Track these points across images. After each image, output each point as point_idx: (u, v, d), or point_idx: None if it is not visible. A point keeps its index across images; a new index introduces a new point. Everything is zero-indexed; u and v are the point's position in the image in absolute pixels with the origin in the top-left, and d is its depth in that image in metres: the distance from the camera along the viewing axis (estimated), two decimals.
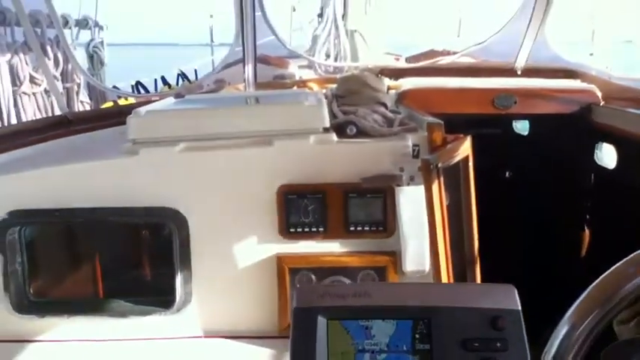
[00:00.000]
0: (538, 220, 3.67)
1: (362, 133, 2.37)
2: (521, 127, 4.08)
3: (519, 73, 3.40)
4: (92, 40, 5.70)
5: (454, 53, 6.06)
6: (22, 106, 4.82)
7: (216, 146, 2.30)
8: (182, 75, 8.25)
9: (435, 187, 1.92)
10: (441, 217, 1.99)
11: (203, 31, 10.18)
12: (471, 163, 2.15)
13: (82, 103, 5.66)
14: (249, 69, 3.32)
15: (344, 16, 4.85)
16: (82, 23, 5.93)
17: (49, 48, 4.92)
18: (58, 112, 4.96)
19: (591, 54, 8.21)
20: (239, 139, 2.32)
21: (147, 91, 6.97)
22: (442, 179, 1.94)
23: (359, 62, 4.72)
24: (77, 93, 5.62)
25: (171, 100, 2.80)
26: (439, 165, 1.91)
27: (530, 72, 3.42)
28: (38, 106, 5.03)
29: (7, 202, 2.27)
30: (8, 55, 4.49)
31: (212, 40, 9.79)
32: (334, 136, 2.32)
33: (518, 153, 3.86)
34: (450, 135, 2.19)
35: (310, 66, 4.96)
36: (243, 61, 3.29)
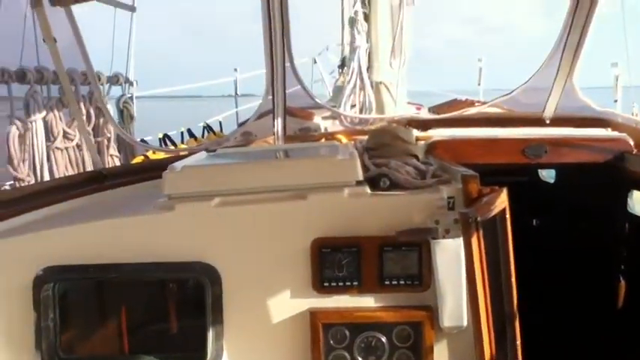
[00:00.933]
0: (570, 271, 3.57)
1: (395, 185, 2.37)
2: (547, 174, 4.04)
3: (548, 122, 3.38)
4: (123, 95, 5.84)
5: (478, 103, 6.12)
6: (55, 161, 4.93)
7: (251, 200, 2.31)
8: (207, 127, 8.41)
9: (474, 240, 1.89)
10: (480, 272, 1.95)
11: (227, 83, 10.45)
12: (508, 216, 2.11)
13: (112, 156, 5.76)
14: (278, 122, 3.37)
15: (369, 68, 4.94)
16: (113, 79, 6.11)
17: (82, 104, 5.06)
18: (89, 166, 5.07)
19: (615, 100, 8.20)
20: (273, 192, 2.33)
21: (174, 143, 7.10)
22: (481, 232, 1.91)
23: (385, 114, 4.76)
24: (107, 147, 5.73)
25: (203, 154, 2.84)
26: (478, 218, 1.88)
27: (559, 121, 3.41)
28: (70, 161, 5.13)
29: (42, 259, 2.28)
30: (44, 112, 4.62)
31: (236, 94, 10.00)
32: (368, 189, 2.32)
33: (545, 201, 3.80)
34: (485, 187, 2.18)
35: (335, 117, 5.01)
36: (272, 114, 3.34)
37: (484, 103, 5.99)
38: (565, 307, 3.56)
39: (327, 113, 5.11)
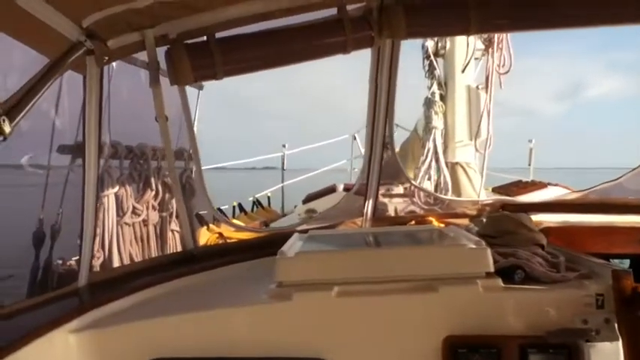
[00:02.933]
0: None
1: (530, 278, 2.19)
2: None
3: None
4: (185, 170, 5.81)
5: (541, 184, 5.97)
6: (122, 236, 4.84)
7: (375, 291, 2.14)
8: (257, 202, 8.39)
9: None
10: None
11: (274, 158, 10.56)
12: None
13: (173, 232, 5.66)
14: (369, 204, 3.24)
15: (445, 148, 4.88)
16: (178, 154, 6.11)
17: (152, 179, 5.02)
18: (152, 241, 4.96)
19: None
20: (396, 282, 2.16)
21: (226, 217, 7.04)
22: None
23: (462, 196, 4.64)
24: (170, 222, 5.64)
25: (299, 237, 2.70)
26: None
27: None
28: (135, 236, 5.04)
29: (147, 349, 2.12)
30: (117, 187, 4.58)
31: (283, 168, 10.07)
32: (501, 282, 2.13)
33: None
34: (638, 284, 1.98)
35: (402, 196, 4.90)
36: (365, 195, 3.22)
37: (555, 184, 5.86)
38: None
39: (396, 191, 5.00)
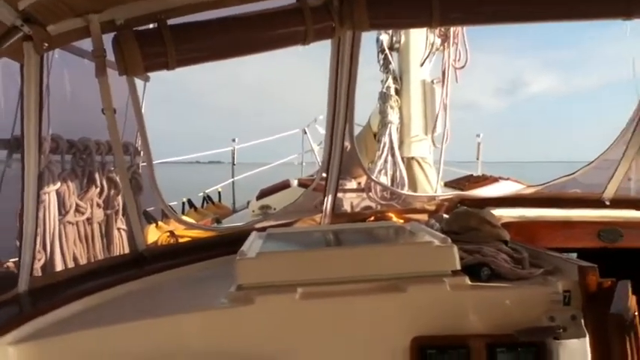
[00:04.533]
0: None
1: (497, 276, 2.15)
2: None
3: (608, 204, 3.25)
4: (132, 165, 5.56)
5: (493, 179, 6.04)
6: (65, 236, 4.57)
7: (340, 292, 2.06)
8: (207, 198, 8.17)
9: (628, 346, 1.66)
10: None
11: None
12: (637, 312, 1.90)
13: (120, 230, 5.41)
14: (329, 200, 3.15)
15: (401, 143, 4.84)
16: (124, 149, 5.83)
17: (96, 175, 4.77)
18: (97, 241, 4.72)
19: None
20: (362, 282, 2.09)
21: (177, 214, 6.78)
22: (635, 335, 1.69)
23: (418, 191, 4.62)
24: (116, 220, 5.38)
25: (258, 236, 2.58)
26: (636, 320, 1.66)
27: (618, 203, 3.28)
28: (79, 235, 4.77)
29: (104, 358, 1.97)
30: (58, 184, 4.32)
31: (234, 163, 9.86)
32: (468, 280, 2.09)
33: None
34: (606, 279, 1.98)
35: (357, 191, 4.84)
36: (324, 192, 3.13)
37: (506, 178, 5.94)
38: None
39: (350, 186, 4.93)
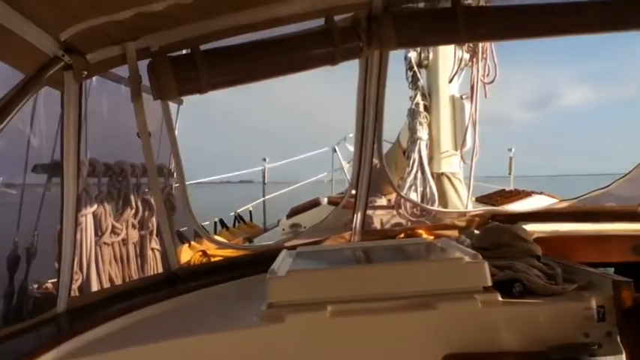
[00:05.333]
0: None
1: (529, 291, 2.13)
2: None
3: None
4: (166, 186, 5.67)
5: (526, 193, 5.96)
6: (102, 257, 4.68)
7: (370, 310, 2.06)
8: (239, 217, 8.26)
9: None
10: None
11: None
12: None
13: (154, 250, 5.50)
14: (358, 218, 3.17)
15: (431, 159, 4.83)
16: (158, 171, 5.97)
17: (131, 197, 4.88)
18: (132, 261, 4.81)
19: None
20: (392, 300, 2.09)
21: (209, 234, 6.89)
22: None
23: (449, 207, 4.60)
24: (150, 240, 5.48)
25: (288, 254, 2.61)
26: None
27: None
28: (115, 256, 4.88)
29: None
30: (95, 206, 4.43)
31: (264, 182, 9.97)
32: (499, 296, 2.07)
33: None
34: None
35: (387, 208, 4.83)
36: (353, 209, 3.15)
37: (539, 193, 5.86)
38: None
39: (380, 203, 4.93)
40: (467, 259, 2.16)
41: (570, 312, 2.01)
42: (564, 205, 3.50)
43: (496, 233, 2.52)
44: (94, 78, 3.61)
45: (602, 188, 3.37)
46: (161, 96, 2.33)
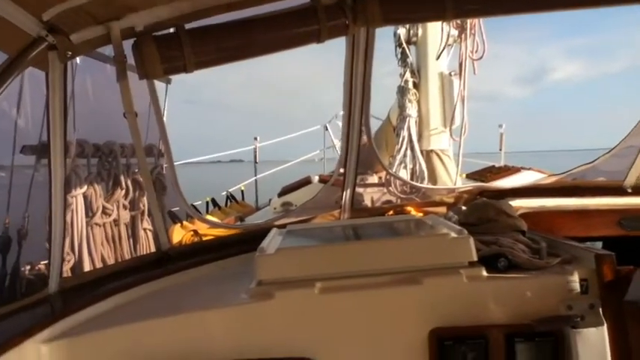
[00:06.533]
0: None
1: (514, 266, 2.17)
2: None
3: (630, 191, 3.22)
4: (156, 167, 5.67)
5: (515, 169, 6.01)
6: (93, 238, 4.70)
7: (358, 286, 2.10)
8: (230, 197, 8.27)
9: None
10: None
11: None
12: None
13: (145, 230, 5.53)
14: (347, 195, 3.19)
15: (420, 136, 4.85)
16: (147, 151, 5.94)
17: (121, 177, 4.88)
18: (124, 241, 4.83)
19: None
20: (379, 276, 2.12)
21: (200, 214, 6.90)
22: None
23: (438, 184, 4.64)
24: (141, 220, 5.51)
25: (278, 233, 2.63)
26: None
27: None
28: (107, 237, 4.90)
29: (123, 356, 2.05)
30: (85, 187, 4.43)
31: (256, 161, 9.97)
32: (484, 271, 2.11)
33: None
34: (624, 267, 1.98)
35: (378, 185, 4.86)
36: (342, 186, 3.17)
37: (528, 168, 5.90)
38: None
39: (371, 181, 4.96)
40: (452, 234, 2.19)
41: (554, 285, 2.05)
42: (551, 180, 3.53)
43: (482, 209, 2.55)
44: (81, 57, 3.58)
45: (588, 163, 3.40)
46: (147, 75, 2.31)
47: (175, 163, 3.20)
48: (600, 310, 1.97)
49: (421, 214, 3.17)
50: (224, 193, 8.39)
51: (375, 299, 2.08)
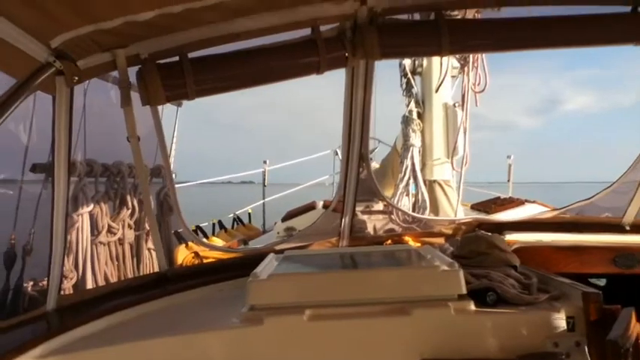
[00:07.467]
0: None
1: (503, 301, 2.18)
2: None
3: (628, 229, 3.22)
4: (163, 187, 5.74)
5: (519, 201, 6.00)
6: (97, 256, 4.75)
7: (347, 314, 2.12)
8: (237, 219, 8.32)
9: None
10: None
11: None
12: None
13: (150, 250, 5.57)
14: (346, 222, 3.22)
15: (423, 166, 4.88)
16: (155, 171, 6.02)
17: (128, 197, 4.95)
18: (128, 260, 4.87)
19: None
20: (369, 305, 2.15)
21: (205, 235, 6.95)
22: None
23: (440, 214, 4.65)
24: (146, 241, 5.55)
25: (274, 258, 2.67)
26: (630, 348, 1.68)
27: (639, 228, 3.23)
28: (111, 255, 4.95)
29: None
30: (91, 206, 4.50)
31: (264, 184, 10.04)
32: (472, 305, 2.13)
33: None
34: (609, 306, 1.99)
35: (383, 213, 4.87)
36: (341, 214, 3.20)
37: (532, 201, 5.90)
38: None
39: (377, 208, 4.97)
40: (443, 267, 2.21)
41: (541, 322, 2.05)
42: (549, 215, 3.54)
43: (474, 242, 2.57)
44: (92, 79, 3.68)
45: (586, 199, 3.41)
46: (149, 102, 2.39)
47: (190, 184, 3.27)
48: (586, 348, 1.98)
49: (419, 244, 3.19)
50: (231, 215, 8.43)
51: (363, 329, 2.09)
